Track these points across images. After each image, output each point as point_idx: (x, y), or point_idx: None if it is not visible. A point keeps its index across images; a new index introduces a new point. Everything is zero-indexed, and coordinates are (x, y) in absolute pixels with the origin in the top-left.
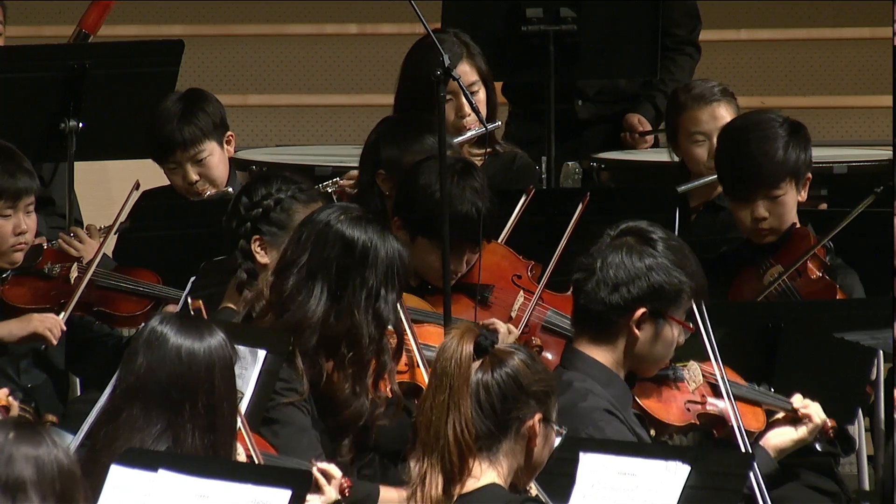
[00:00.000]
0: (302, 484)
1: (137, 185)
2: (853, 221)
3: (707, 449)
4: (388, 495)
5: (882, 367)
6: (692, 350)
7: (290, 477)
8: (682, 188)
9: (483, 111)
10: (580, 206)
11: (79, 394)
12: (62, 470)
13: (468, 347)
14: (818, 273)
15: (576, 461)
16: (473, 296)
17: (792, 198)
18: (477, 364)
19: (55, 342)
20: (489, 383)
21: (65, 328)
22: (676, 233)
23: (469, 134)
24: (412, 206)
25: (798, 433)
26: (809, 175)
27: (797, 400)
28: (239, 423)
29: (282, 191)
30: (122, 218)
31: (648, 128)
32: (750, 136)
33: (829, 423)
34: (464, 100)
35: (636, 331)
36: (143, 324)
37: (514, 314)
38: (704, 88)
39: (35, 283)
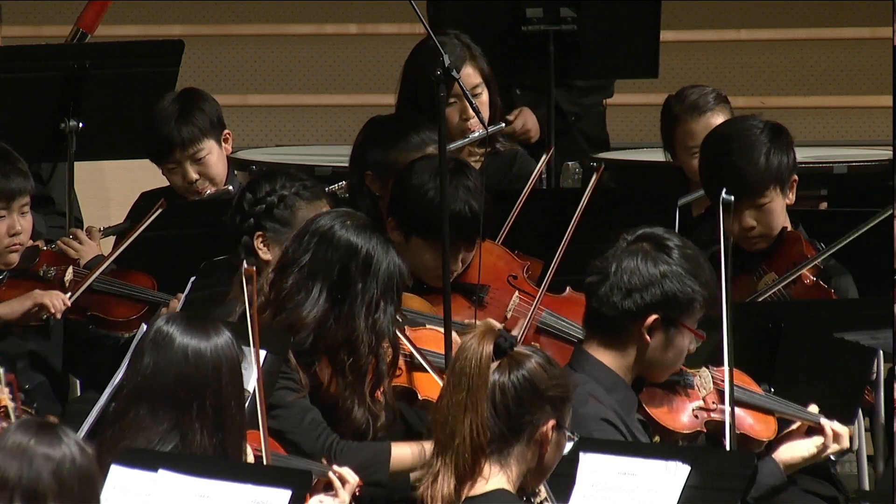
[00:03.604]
0: (302, 484)
1: (163, 204)
2: (852, 222)
3: (707, 449)
4: (400, 451)
5: (882, 367)
6: (698, 352)
7: (290, 477)
8: (681, 201)
9: (485, 113)
10: (594, 177)
11: (78, 394)
12: (81, 473)
13: (488, 347)
14: (812, 278)
15: (576, 461)
16: (469, 296)
17: (779, 204)
18: (494, 365)
19: (58, 314)
20: (505, 385)
21: (69, 304)
22: (676, 231)
23: (470, 137)
24: (406, 207)
25: (811, 451)
26: (795, 177)
27: (823, 420)
28: (259, 422)
29: (286, 187)
30: (142, 228)
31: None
32: (731, 147)
33: (849, 430)
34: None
35: (647, 337)
36: (137, 328)
37: (509, 314)
38: (698, 97)
39: (31, 285)
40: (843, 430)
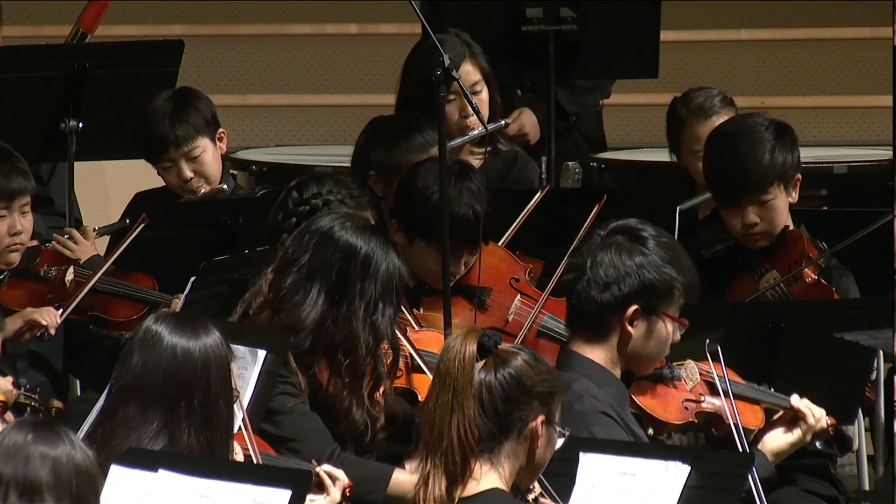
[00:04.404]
0: (302, 484)
1: (145, 219)
2: (852, 222)
3: (707, 449)
4: (401, 476)
5: (882, 367)
6: (689, 350)
7: (290, 477)
8: (683, 206)
9: (485, 111)
10: (595, 208)
11: (79, 394)
12: (79, 471)
13: (472, 347)
14: (814, 277)
15: (576, 461)
16: (471, 298)
17: (782, 201)
18: (480, 364)
19: (52, 331)
20: (492, 384)
21: (60, 321)
22: (676, 237)
23: (469, 135)
24: (409, 209)
25: (795, 435)
26: (799, 176)
27: (795, 400)
28: (240, 422)
29: (332, 193)
30: (127, 242)
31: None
32: (736, 143)
33: (829, 420)
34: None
35: (629, 328)
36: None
37: (510, 318)
38: (704, 100)
39: (31, 285)
40: (814, 406)
